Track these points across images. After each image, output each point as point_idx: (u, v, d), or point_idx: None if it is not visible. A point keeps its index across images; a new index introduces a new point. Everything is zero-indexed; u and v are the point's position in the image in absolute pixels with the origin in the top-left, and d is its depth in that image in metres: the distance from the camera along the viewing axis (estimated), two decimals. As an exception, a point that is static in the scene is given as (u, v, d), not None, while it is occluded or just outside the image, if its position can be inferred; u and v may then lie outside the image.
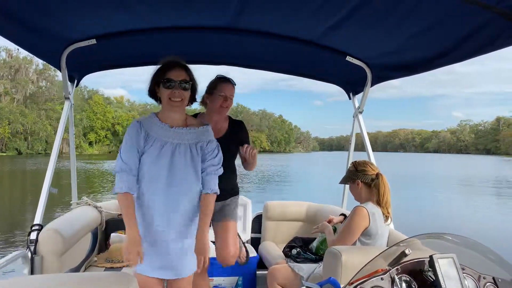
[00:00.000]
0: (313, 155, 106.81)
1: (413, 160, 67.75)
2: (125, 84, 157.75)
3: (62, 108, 3.06)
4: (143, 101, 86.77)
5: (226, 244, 2.48)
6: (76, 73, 3.13)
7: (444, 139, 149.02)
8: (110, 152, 69.24)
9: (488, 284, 1.52)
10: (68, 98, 2.99)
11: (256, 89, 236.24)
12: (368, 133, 3.52)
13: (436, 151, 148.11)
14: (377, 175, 2.36)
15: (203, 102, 2.53)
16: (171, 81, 1.93)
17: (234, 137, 2.52)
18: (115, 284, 1.35)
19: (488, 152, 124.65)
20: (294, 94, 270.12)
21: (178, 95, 1.94)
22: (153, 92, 2.03)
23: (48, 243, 2.26)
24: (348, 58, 2.89)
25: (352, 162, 2.53)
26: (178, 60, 2.02)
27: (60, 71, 2.78)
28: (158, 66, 2.03)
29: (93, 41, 2.59)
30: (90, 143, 69.06)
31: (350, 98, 3.59)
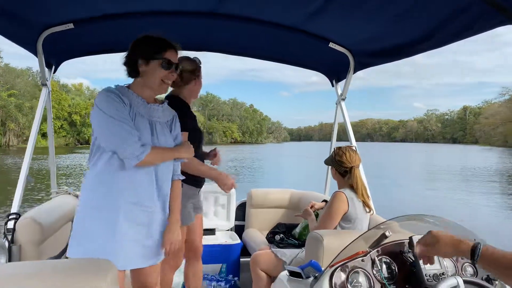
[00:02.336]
0: (286, 145, 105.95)
1: (380, 149, 68.99)
2: (87, 74, 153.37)
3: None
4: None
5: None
6: (53, 59, 3.10)
7: (411, 129, 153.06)
8: (67, 145, 63.18)
9: (465, 264, 1.61)
10: (46, 85, 2.96)
11: (223, 79, 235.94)
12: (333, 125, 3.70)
13: (403, 140, 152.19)
14: (351, 168, 2.41)
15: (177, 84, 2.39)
16: (171, 63, 1.87)
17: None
18: (93, 271, 1.36)
19: (455, 141, 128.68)
20: (262, 85, 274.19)
21: (173, 78, 1.91)
22: (133, 63, 1.88)
23: (25, 232, 2.26)
24: (331, 45, 2.95)
25: (335, 148, 2.58)
26: (174, 43, 1.94)
27: (37, 56, 2.74)
28: (148, 40, 1.90)
29: (71, 26, 2.56)
30: (44, 135, 61.63)
31: (333, 85, 3.63)
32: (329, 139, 3.70)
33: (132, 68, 1.90)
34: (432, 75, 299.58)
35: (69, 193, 3.14)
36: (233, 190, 3.72)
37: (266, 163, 33.12)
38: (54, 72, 3.20)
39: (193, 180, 2.39)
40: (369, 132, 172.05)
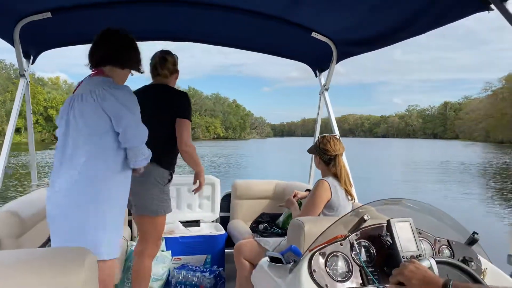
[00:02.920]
0: (269, 141, 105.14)
1: (364, 145, 69.38)
2: (65, 68, 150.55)
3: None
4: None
5: None
6: (32, 49, 3.05)
7: (393, 124, 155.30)
8: (43, 141, 59.68)
9: (442, 246, 1.64)
10: (24, 76, 2.92)
11: (205, 74, 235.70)
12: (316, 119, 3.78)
13: (384, 135, 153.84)
14: (335, 156, 2.45)
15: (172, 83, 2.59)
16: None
17: None
18: (70, 258, 1.38)
19: (435, 136, 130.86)
20: (244, 80, 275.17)
21: None
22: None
23: (3, 225, 2.22)
24: (314, 34, 2.97)
25: (319, 137, 2.61)
26: None
27: (14, 46, 2.69)
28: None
29: (48, 14, 2.52)
30: (18, 130, 55.85)
31: (316, 76, 3.67)
32: (312, 134, 3.75)
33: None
34: (411, 71, 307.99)
35: None
36: (217, 181, 3.73)
37: (253, 159, 32.94)
38: (33, 63, 3.15)
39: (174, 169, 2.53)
40: (351, 128, 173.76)
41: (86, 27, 2.91)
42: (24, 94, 2.96)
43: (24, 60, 2.91)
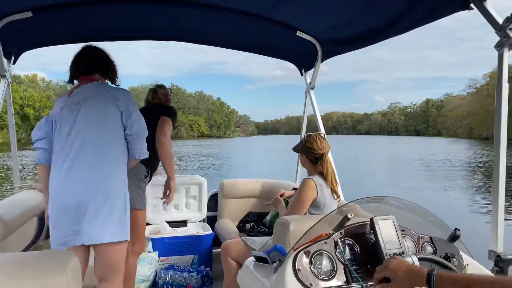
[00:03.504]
0: (254, 139, 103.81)
1: (347, 142, 69.02)
2: (44, 66, 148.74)
3: None
4: (62, 81, 78.41)
5: None
6: (13, 49, 3.01)
7: (375, 121, 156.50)
8: (19, 141, 54.04)
9: (425, 243, 1.66)
10: (5, 76, 2.90)
11: (187, 72, 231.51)
12: (301, 117, 3.82)
13: (367, 133, 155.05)
14: (322, 155, 2.46)
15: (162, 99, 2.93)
16: None
17: None
18: (54, 262, 1.38)
19: (418, 133, 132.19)
20: (227, 78, 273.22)
21: None
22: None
23: None
24: (299, 33, 2.98)
25: (305, 136, 2.62)
26: None
27: None
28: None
29: (29, 14, 2.48)
30: None
31: (302, 74, 3.69)
32: (296, 132, 3.80)
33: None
34: (393, 70, 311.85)
35: (34, 188, 3.06)
36: (204, 181, 3.73)
37: (241, 158, 32.36)
38: (14, 63, 3.11)
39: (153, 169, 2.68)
40: (335, 125, 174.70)
41: (70, 26, 2.89)
42: (5, 95, 2.91)
43: (5, 60, 2.88)
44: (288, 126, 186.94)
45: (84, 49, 2.17)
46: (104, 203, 1.96)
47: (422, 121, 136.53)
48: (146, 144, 2.14)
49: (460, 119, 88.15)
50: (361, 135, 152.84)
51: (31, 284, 1.30)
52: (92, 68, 2.13)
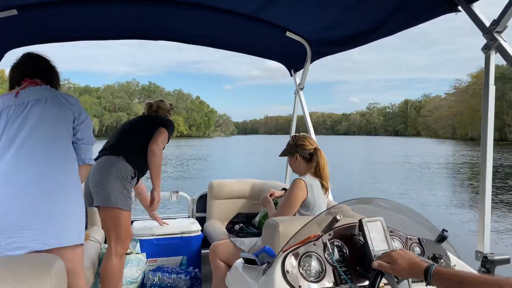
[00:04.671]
0: (234, 139, 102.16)
1: (327, 144, 70.23)
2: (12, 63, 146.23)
3: None
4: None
5: None
6: None
7: (354, 122, 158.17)
8: None
9: (413, 244, 1.66)
10: None
11: (165, 71, 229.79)
12: (280, 117, 3.85)
13: (346, 133, 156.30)
14: (315, 149, 2.49)
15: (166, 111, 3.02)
16: None
17: None
18: (37, 266, 1.37)
19: (396, 133, 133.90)
20: (205, 77, 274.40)
21: None
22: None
23: None
24: (288, 34, 2.98)
25: (292, 136, 2.65)
26: None
27: None
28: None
29: (14, 12, 2.44)
30: None
31: (291, 75, 3.70)
32: (274, 132, 3.83)
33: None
34: (368, 71, 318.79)
35: None
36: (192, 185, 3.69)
37: (227, 161, 30.76)
38: None
39: (141, 173, 2.70)
40: (314, 126, 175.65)
41: (56, 25, 2.84)
42: None
43: None
44: (267, 126, 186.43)
45: (26, 55, 2.13)
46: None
47: (401, 122, 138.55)
48: (92, 150, 2.14)
49: (444, 119, 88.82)
50: (340, 135, 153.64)
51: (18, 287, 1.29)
52: (36, 73, 2.09)
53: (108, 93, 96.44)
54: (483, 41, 1.73)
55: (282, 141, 2.87)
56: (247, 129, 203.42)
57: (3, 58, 3.05)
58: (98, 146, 2.60)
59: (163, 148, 2.71)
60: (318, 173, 2.47)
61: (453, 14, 1.84)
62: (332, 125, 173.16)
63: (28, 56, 2.12)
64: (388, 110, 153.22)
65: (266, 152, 36.49)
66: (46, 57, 2.16)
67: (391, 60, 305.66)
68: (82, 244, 1.96)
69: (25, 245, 1.75)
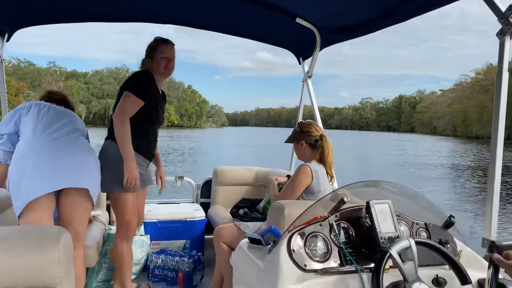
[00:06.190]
0: (227, 130, 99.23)
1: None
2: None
3: None
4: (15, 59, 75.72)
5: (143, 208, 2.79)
6: (6, 27, 2.94)
7: (347, 116, 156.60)
8: None
9: (420, 229, 1.66)
10: None
11: None
12: (272, 109, 3.79)
13: (338, 127, 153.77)
14: (321, 136, 2.47)
15: (145, 66, 2.51)
16: None
17: (163, 102, 2.67)
18: (45, 237, 1.38)
19: (389, 129, 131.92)
20: (196, 67, 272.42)
21: None
22: None
23: None
24: (298, 20, 2.94)
25: (298, 123, 2.63)
26: None
27: None
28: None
29: None
30: None
31: (300, 63, 3.66)
32: (265, 124, 3.78)
33: None
34: (358, 66, 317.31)
35: None
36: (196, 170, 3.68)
37: (226, 153, 28.44)
38: (8, 41, 3.04)
39: (142, 149, 2.47)
40: (306, 119, 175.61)
41: (64, 5, 2.81)
42: None
43: None
44: (258, 118, 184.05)
45: None
46: None
47: (395, 117, 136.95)
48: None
49: (446, 116, 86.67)
50: (332, 129, 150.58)
51: (21, 258, 1.30)
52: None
53: (97, 79, 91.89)
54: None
55: (280, 133, 2.79)
56: (237, 120, 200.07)
57: (12, 37, 3.03)
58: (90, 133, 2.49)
59: (137, 110, 2.36)
60: (322, 160, 2.45)
61: (444, 9, 1.78)
62: (324, 119, 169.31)
63: None
64: (382, 105, 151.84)
65: (266, 145, 35.08)
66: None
67: (381, 55, 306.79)
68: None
69: None
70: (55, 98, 2.45)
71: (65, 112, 2.33)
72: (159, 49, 2.46)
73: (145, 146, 2.51)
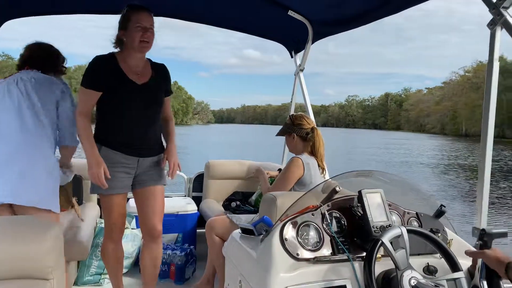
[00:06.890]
0: (213, 127, 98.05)
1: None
2: None
3: None
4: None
5: (154, 213, 2.27)
6: None
7: (333, 114, 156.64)
8: None
9: (411, 218, 1.66)
10: None
11: None
12: (258, 107, 3.78)
13: (324, 125, 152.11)
14: (312, 129, 2.47)
15: (118, 42, 2.14)
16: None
17: (161, 83, 2.29)
18: (35, 227, 1.40)
19: (375, 126, 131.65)
20: (180, 64, 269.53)
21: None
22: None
23: None
24: (290, 13, 2.93)
25: (290, 116, 2.63)
26: None
27: None
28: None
29: None
30: None
31: (292, 56, 3.65)
32: (251, 122, 3.76)
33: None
34: (343, 64, 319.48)
35: None
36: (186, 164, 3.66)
37: (215, 150, 27.33)
38: None
39: (117, 144, 2.14)
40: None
41: None
42: None
43: None
44: (244, 115, 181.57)
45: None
46: None
47: (381, 115, 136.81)
48: None
49: (436, 114, 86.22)
50: (319, 127, 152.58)
51: (11, 248, 1.33)
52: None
53: (79, 74, 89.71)
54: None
55: (267, 130, 2.75)
56: (223, 117, 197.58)
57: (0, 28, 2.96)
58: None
59: (93, 101, 2.10)
60: (313, 152, 2.45)
61: (429, 8, 1.79)
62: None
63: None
64: (368, 103, 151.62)
65: (254, 142, 33.99)
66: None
67: (366, 54, 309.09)
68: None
69: None
70: (32, 62, 2.18)
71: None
72: (133, 18, 2.08)
73: (122, 140, 2.14)
